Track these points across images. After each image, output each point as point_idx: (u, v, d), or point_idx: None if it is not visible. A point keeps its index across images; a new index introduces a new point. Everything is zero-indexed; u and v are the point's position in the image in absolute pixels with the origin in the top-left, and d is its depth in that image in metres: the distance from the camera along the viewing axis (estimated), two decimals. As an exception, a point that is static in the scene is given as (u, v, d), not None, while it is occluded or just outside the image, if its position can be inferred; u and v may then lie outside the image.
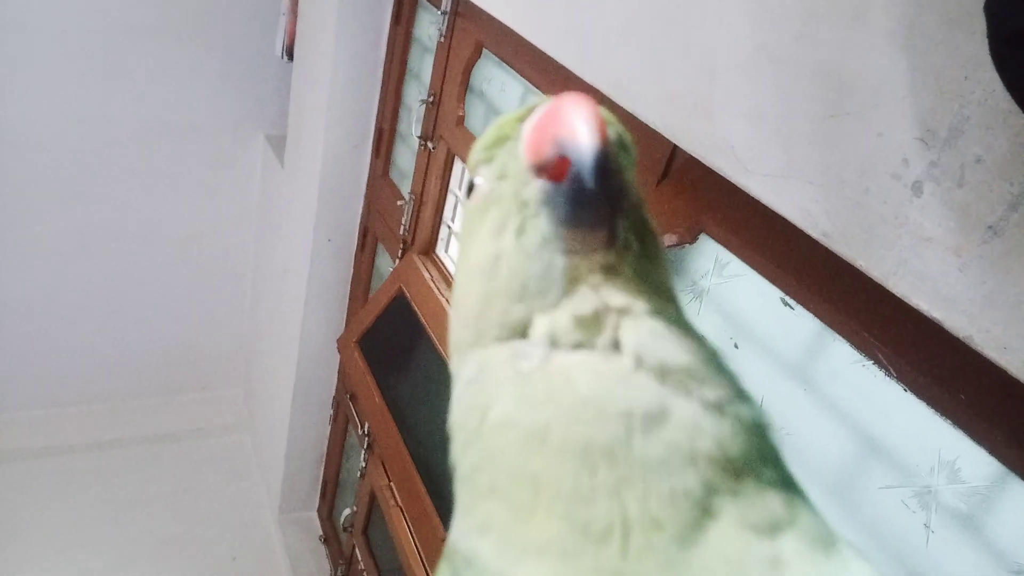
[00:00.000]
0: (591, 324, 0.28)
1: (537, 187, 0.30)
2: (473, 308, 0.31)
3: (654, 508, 0.25)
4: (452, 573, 0.30)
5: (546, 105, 0.31)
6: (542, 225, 0.29)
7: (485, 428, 0.29)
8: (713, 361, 0.29)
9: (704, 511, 0.25)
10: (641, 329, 0.28)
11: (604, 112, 0.33)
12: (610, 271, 0.29)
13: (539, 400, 0.27)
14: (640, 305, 0.29)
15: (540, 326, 0.29)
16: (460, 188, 0.33)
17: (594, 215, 0.28)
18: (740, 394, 0.29)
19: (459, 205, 0.34)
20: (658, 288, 0.30)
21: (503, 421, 0.28)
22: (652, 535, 0.25)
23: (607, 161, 0.28)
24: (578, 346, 0.28)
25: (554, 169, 0.29)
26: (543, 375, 0.28)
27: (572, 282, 0.29)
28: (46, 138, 2.46)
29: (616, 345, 0.28)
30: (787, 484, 0.28)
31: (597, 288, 0.29)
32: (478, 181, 0.34)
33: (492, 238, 0.31)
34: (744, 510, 0.26)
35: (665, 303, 0.30)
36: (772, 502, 0.27)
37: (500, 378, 0.29)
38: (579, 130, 0.28)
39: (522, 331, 0.30)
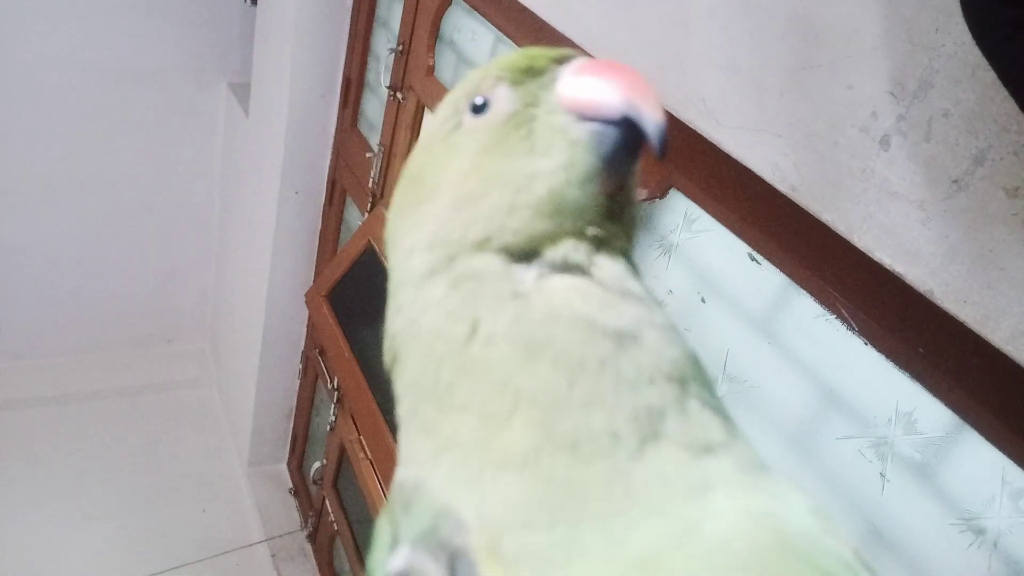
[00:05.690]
0: (596, 250, 0.31)
1: (587, 129, 0.32)
2: (485, 211, 0.32)
3: (617, 422, 0.27)
4: (390, 520, 0.30)
5: (590, 61, 0.34)
6: (591, 162, 0.32)
7: (475, 342, 0.30)
8: (651, 294, 0.33)
9: (657, 427, 0.27)
10: (620, 260, 0.32)
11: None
12: (615, 212, 0.32)
13: (539, 318, 0.29)
14: (623, 242, 0.33)
15: (563, 247, 0.31)
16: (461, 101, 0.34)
17: (626, 163, 0.32)
18: (673, 323, 0.32)
19: (454, 112, 0.34)
20: (631, 229, 0.34)
21: (497, 336, 0.29)
22: (609, 446, 0.27)
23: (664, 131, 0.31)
24: (575, 269, 0.31)
25: (606, 120, 0.32)
26: (540, 295, 0.30)
27: (593, 214, 0.32)
28: (-2, 82, 2.36)
29: (601, 273, 0.31)
30: (723, 411, 0.30)
31: (604, 223, 0.32)
32: (500, 95, 0.35)
33: (528, 157, 0.32)
34: (688, 429, 0.28)
35: (632, 242, 0.34)
36: (712, 424, 0.29)
37: (495, 294, 0.30)
38: (652, 106, 0.31)
39: (533, 246, 0.31)
